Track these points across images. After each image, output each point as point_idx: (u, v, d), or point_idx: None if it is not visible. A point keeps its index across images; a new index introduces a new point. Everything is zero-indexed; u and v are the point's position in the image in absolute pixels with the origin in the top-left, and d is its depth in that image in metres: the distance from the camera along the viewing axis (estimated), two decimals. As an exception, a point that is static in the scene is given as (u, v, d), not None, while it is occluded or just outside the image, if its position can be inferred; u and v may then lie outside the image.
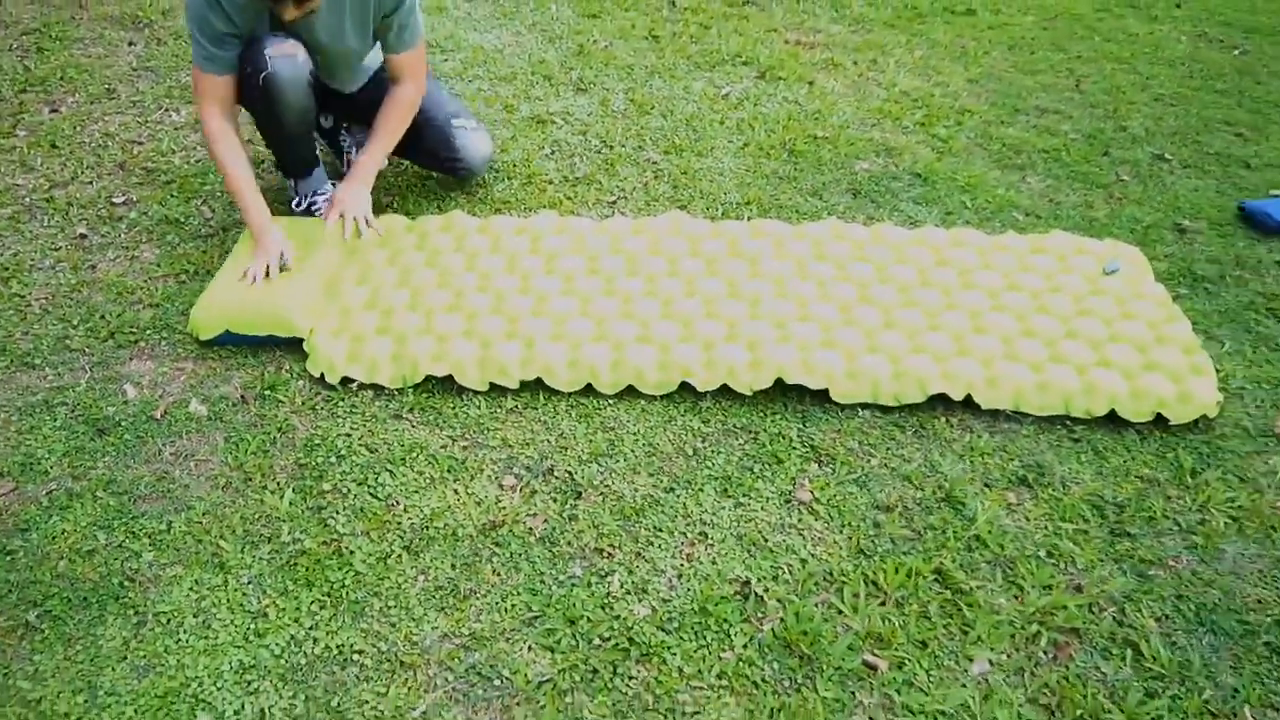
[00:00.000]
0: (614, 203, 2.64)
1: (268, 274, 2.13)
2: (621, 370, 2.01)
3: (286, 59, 2.15)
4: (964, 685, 1.51)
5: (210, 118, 2.18)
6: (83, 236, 2.46)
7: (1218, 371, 2.10)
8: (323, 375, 2.03)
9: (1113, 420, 1.97)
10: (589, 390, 2.02)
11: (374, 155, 2.35)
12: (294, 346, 2.11)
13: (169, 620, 1.59)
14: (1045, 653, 1.56)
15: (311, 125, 2.40)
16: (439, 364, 2.02)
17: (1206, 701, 1.49)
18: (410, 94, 2.34)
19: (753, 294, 2.19)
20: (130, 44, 3.40)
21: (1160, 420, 1.97)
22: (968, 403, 1.99)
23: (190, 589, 1.64)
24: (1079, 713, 1.47)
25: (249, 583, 1.65)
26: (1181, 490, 1.85)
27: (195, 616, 1.59)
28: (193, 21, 2.09)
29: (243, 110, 2.27)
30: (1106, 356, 2.04)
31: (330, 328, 2.10)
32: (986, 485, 1.85)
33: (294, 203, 2.51)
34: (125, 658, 1.53)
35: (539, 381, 2.02)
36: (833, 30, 3.70)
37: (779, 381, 1.99)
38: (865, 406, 2.00)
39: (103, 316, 2.21)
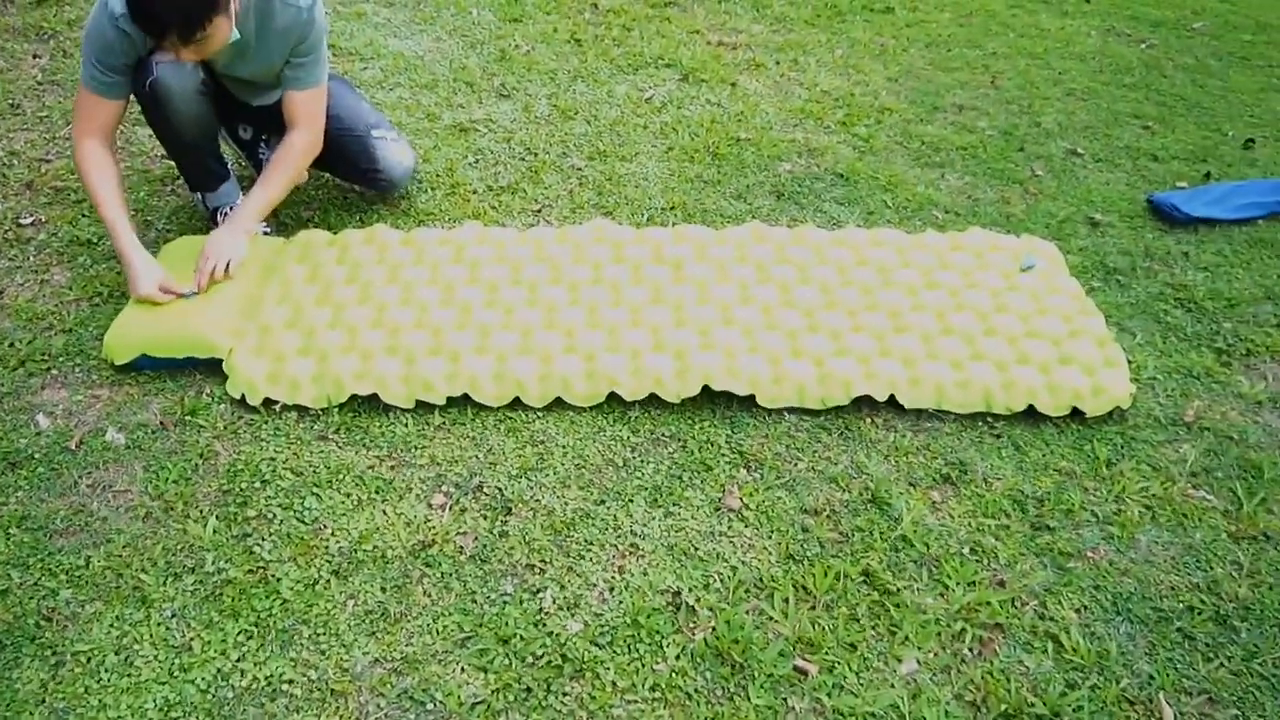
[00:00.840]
0: (539, 211, 2.63)
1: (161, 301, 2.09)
2: (549, 383, 2.01)
3: (173, 66, 2.09)
4: (893, 685, 1.54)
5: (85, 140, 2.11)
6: (-11, 260, 2.38)
7: (1130, 363, 2.16)
8: (243, 397, 2.00)
9: (1031, 415, 2.02)
10: (517, 404, 2.01)
11: (255, 202, 2.24)
12: (214, 369, 2.07)
13: (89, 659, 1.55)
14: (970, 649, 1.60)
15: (212, 135, 2.35)
16: (363, 382, 1.99)
17: (1124, 689, 1.54)
18: (303, 142, 2.25)
19: (676, 300, 2.20)
20: (35, 56, 3.29)
21: (1077, 413, 2.02)
22: (892, 402, 2.03)
23: (111, 626, 1.60)
24: (1003, 707, 1.51)
25: (172, 616, 1.61)
26: (1098, 482, 1.91)
27: (116, 654, 1.56)
28: (91, 42, 2.02)
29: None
30: (1024, 352, 2.09)
31: (250, 347, 2.06)
32: (911, 484, 1.89)
33: (207, 219, 2.45)
34: (44, 700, 1.49)
35: (466, 397, 2.01)
36: (754, 30, 3.73)
37: (706, 388, 2.00)
38: (792, 410, 2.03)
39: (12, 344, 2.14)
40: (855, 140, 2.99)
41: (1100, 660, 1.59)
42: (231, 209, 2.42)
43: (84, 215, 2.54)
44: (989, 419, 2.02)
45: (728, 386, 1.99)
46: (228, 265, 2.16)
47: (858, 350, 2.08)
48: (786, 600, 1.66)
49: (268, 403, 2.00)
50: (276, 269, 2.28)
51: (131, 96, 2.15)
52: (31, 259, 2.40)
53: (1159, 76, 3.42)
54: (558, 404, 2.02)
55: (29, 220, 2.52)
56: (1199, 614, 1.66)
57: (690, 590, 1.68)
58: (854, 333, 2.14)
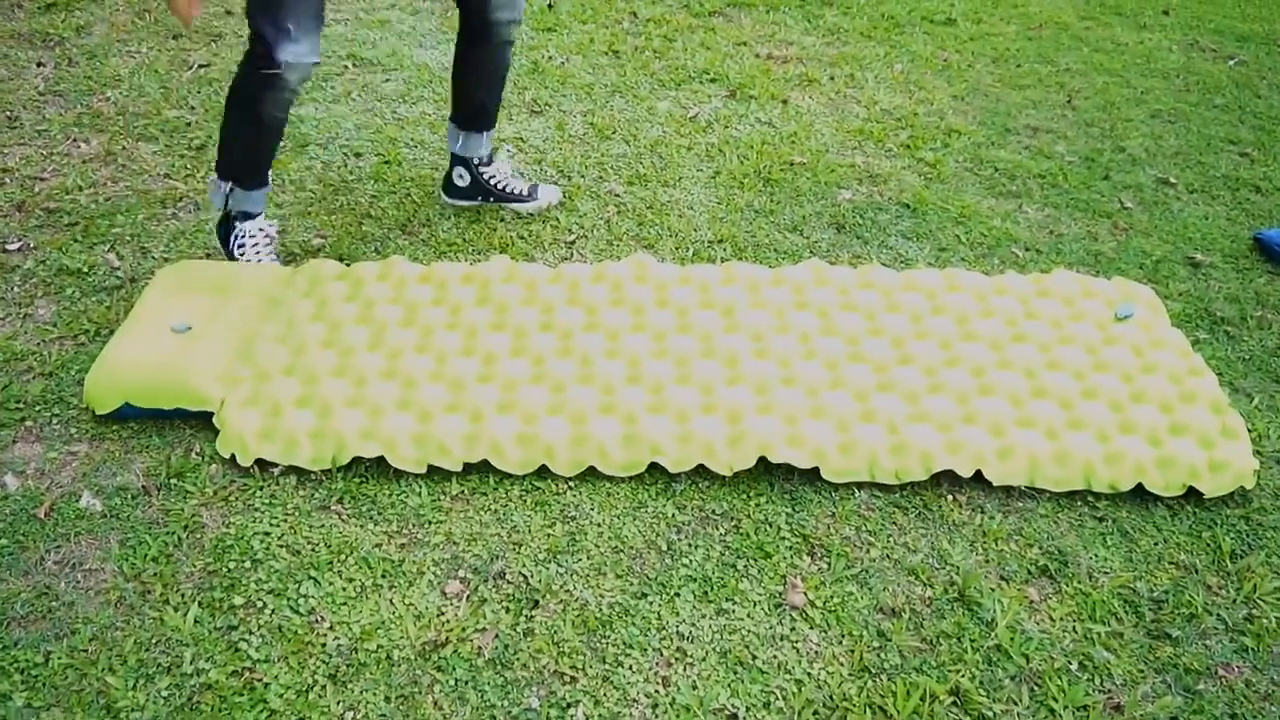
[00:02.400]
0: (573, 242, 2.38)
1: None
2: (582, 448, 1.75)
3: (307, 53, 1.95)
4: (995, 845, 1.27)
5: None
6: (-32, 291, 2.16)
7: (1249, 431, 1.88)
8: (234, 456, 1.76)
9: (1138, 495, 1.74)
10: (545, 471, 1.76)
11: None
12: (206, 420, 1.83)
13: (39, 784, 1.31)
14: (1087, 798, 1.33)
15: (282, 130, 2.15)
16: (369, 443, 1.75)
17: None
18: None
19: (729, 352, 1.94)
20: (39, 64, 3.08)
21: (1191, 493, 1.74)
22: (976, 477, 1.76)
23: (68, 740, 1.36)
24: None
25: (140, 730, 1.38)
26: (1223, 578, 1.63)
27: (72, 778, 1.32)
28: None
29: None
30: (1129, 420, 1.82)
31: (243, 398, 1.83)
32: (1003, 579, 1.62)
33: (219, 216, 2.23)
34: (-17, 836, 1.26)
35: (486, 463, 1.76)
36: (806, 42, 3.46)
37: (762, 460, 1.74)
38: (861, 486, 1.76)
39: (-15, 389, 1.91)
40: (921, 166, 2.72)
41: (1248, 817, 1.31)
42: (253, 223, 2.19)
43: (75, 241, 2.31)
44: (1089, 498, 1.75)
45: (788, 458, 1.73)
46: None
47: (937, 415, 1.82)
48: (863, 728, 1.40)
49: (262, 464, 1.76)
50: (279, 303, 2.04)
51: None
52: (15, 290, 2.17)
53: (1252, 97, 3.12)
54: (592, 471, 1.76)
55: (16, 245, 2.30)
56: (1363, 757, 1.38)
57: (748, 710, 1.42)
58: (931, 394, 1.87)
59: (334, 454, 1.75)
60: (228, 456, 1.77)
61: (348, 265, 2.20)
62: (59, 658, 1.46)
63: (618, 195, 2.55)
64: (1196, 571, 1.64)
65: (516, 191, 2.45)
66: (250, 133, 2.08)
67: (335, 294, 2.09)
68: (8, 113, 2.82)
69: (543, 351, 1.94)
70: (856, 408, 1.83)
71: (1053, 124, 2.95)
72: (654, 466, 1.76)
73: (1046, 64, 3.34)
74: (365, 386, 1.86)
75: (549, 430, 1.77)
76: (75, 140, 2.72)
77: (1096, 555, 1.66)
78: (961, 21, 3.65)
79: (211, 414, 1.83)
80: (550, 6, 3.57)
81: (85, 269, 2.23)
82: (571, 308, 2.06)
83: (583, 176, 2.62)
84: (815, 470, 1.75)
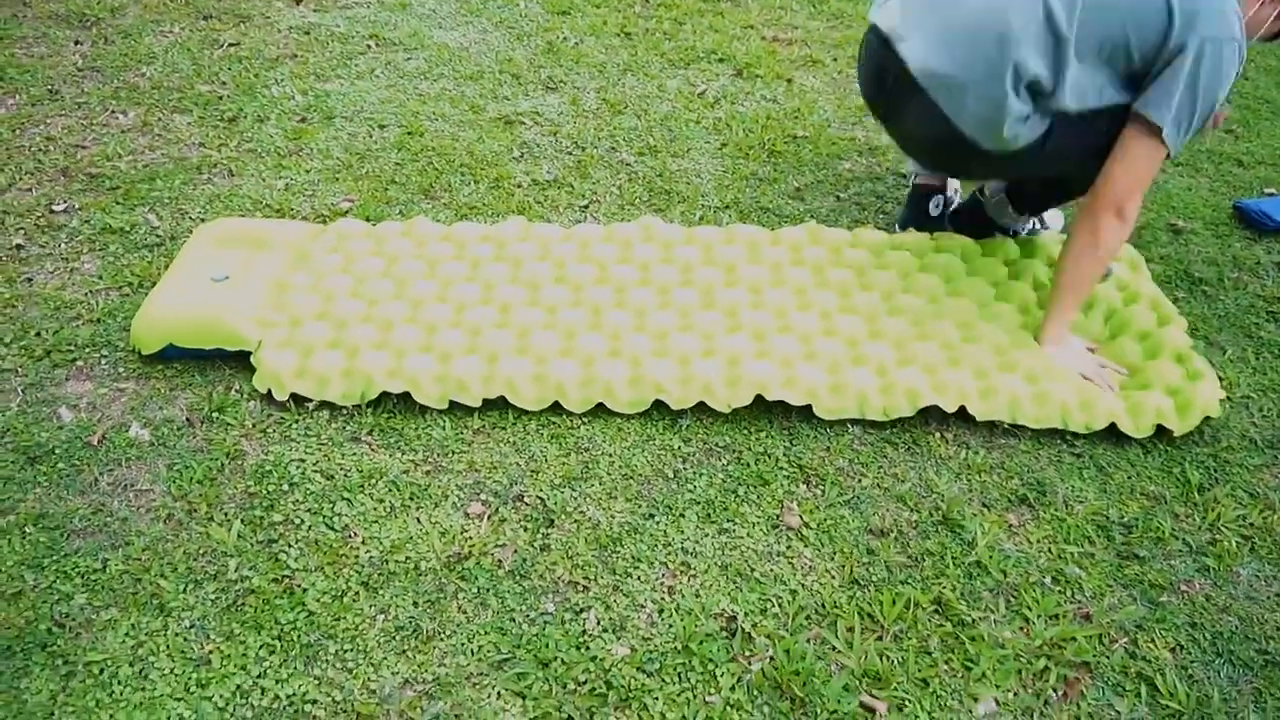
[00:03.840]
0: (586, 207, 2.51)
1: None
2: (591, 387, 1.88)
3: None
4: (970, 728, 1.40)
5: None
6: (19, 247, 2.30)
7: (1221, 380, 2.00)
8: (270, 392, 1.89)
9: (1114, 433, 1.87)
10: (561, 409, 1.89)
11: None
12: (245, 362, 1.97)
13: (101, 670, 1.44)
14: (1055, 690, 1.45)
15: None
16: (395, 380, 1.88)
17: (1229, 742, 1.39)
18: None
19: (729, 303, 2.07)
20: (76, 43, 3.23)
21: (1162, 433, 1.87)
22: (963, 416, 1.89)
23: (126, 635, 1.49)
24: (1094, 757, 1.36)
25: (191, 626, 1.51)
26: (1190, 508, 1.75)
27: (131, 665, 1.45)
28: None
29: None
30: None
31: (278, 339, 1.96)
32: (985, 505, 1.74)
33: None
34: (52, 713, 1.39)
35: (505, 401, 1.89)
36: (810, 26, 3.59)
37: (760, 398, 1.87)
38: (855, 422, 1.89)
39: (38, 334, 2.05)
40: (918, 139, 2.84)
41: (1201, 708, 1.43)
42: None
43: (116, 203, 2.45)
44: (1068, 437, 1.87)
45: (783, 396, 1.86)
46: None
47: (924, 359, 1.94)
48: (851, 629, 1.53)
49: (296, 399, 1.90)
50: (308, 256, 2.18)
51: None
52: (63, 246, 2.31)
53: (1240, 79, 3.23)
54: (604, 410, 1.89)
55: (61, 207, 2.44)
56: (1310, 659, 1.50)
57: (746, 615, 1.54)
58: (919, 341, 1.99)
59: (363, 390, 1.88)
60: (264, 392, 1.90)
61: (374, 225, 2.34)
62: (115, 565, 1.60)
63: (629, 164, 2.68)
64: (1165, 501, 1.76)
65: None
66: None
67: (362, 249, 2.22)
68: (49, 86, 2.96)
69: (556, 302, 2.08)
70: (848, 353, 1.96)
71: (1046, 102, 3.07)
72: (662, 407, 1.89)
73: (1042, 47, 3.46)
74: (391, 331, 1.99)
75: (560, 370, 1.90)
76: (113, 112, 2.86)
77: (1073, 487, 1.78)
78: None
79: (248, 354, 1.96)
80: None
81: (127, 228, 2.37)
82: (583, 264, 2.19)
83: (596, 147, 2.76)
84: (810, 411, 1.88)
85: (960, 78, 1.83)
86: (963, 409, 1.87)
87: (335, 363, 1.92)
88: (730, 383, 1.88)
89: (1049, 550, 1.67)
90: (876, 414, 1.86)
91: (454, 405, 1.89)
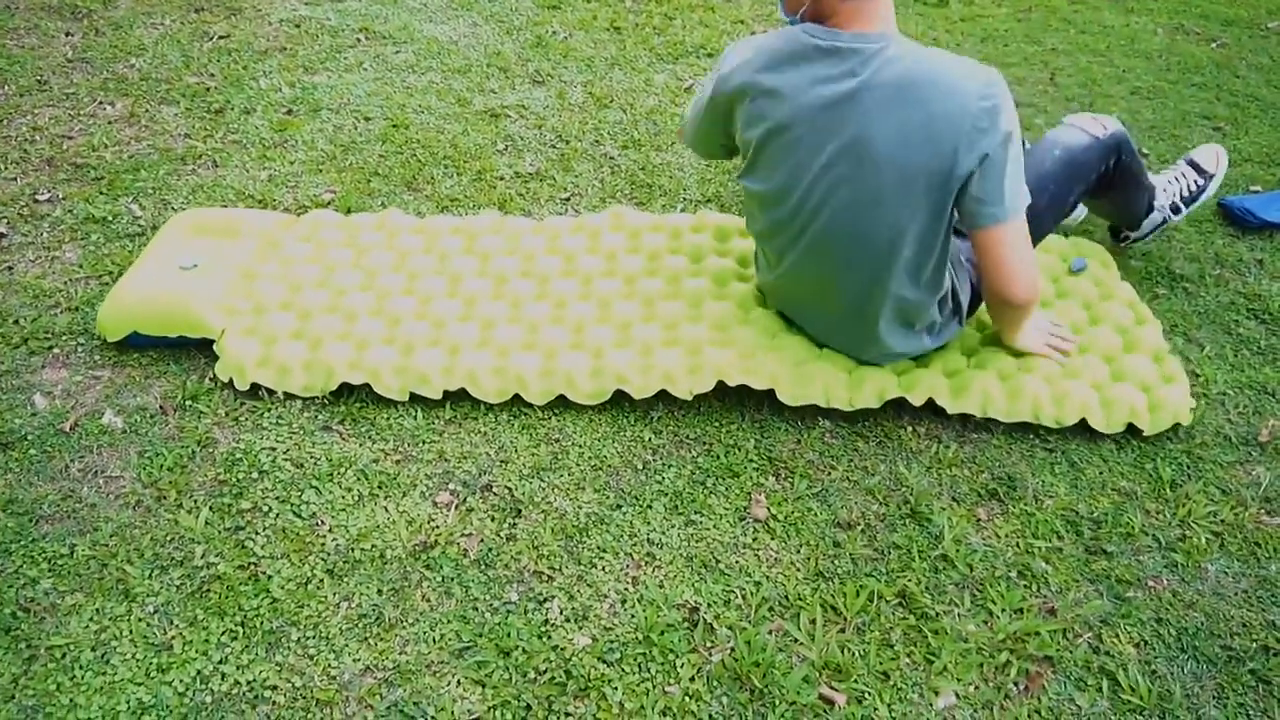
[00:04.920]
0: (568, 199, 2.51)
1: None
2: (552, 379, 1.88)
3: None
4: (928, 721, 1.40)
5: None
6: (1, 236, 2.31)
7: (1198, 376, 1.99)
8: (232, 381, 1.90)
9: (1087, 429, 1.86)
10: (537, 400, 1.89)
11: None
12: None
13: (64, 655, 1.45)
14: (1016, 684, 1.45)
15: None
16: (355, 372, 1.88)
17: (1188, 737, 1.39)
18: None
19: (693, 293, 2.06)
20: (67, 34, 3.24)
21: (1134, 431, 1.86)
22: (937, 410, 1.88)
23: (90, 619, 1.50)
24: (1051, 751, 1.36)
25: (154, 612, 1.51)
26: (1160, 504, 1.74)
27: (93, 650, 1.46)
28: None
29: None
30: (1075, 367, 1.92)
31: (242, 328, 1.96)
32: (955, 500, 1.74)
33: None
34: (13, 697, 1.39)
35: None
36: (802, 22, 3.58)
37: (735, 392, 1.87)
38: (827, 415, 1.88)
39: (16, 321, 2.06)
40: (904, 135, 2.84)
41: (1162, 703, 1.43)
42: None
43: (100, 193, 2.46)
44: (1041, 432, 1.87)
45: (744, 381, 1.85)
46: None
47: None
48: (814, 621, 1.52)
49: (257, 388, 1.89)
50: (278, 245, 2.18)
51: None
52: (45, 235, 2.32)
53: (1231, 77, 3.22)
54: (575, 403, 1.89)
55: (45, 196, 2.45)
56: (1275, 655, 1.49)
57: (709, 606, 1.54)
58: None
59: (323, 382, 1.88)
60: (226, 380, 1.90)
61: (347, 216, 2.34)
62: (82, 550, 1.61)
63: (612, 158, 2.68)
64: (1136, 497, 1.76)
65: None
66: None
67: (332, 240, 2.22)
68: (38, 77, 2.97)
69: (521, 295, 2.07)
70: (815, 351, 1.94)
71: (1034, 99, 3.06)
72: (629, 399, 1.89)
73: (1033, 44, 3.45)
74: (354, 322, 1.99)
75: (521, 363, 1.90)
76: (101, 103, 2.87)
77: (1044, 481, 1.78)
78: (954, 3, 3.76)
79: (213, 342, 1.97)
80: None
81: (110, 217, 2.38)
82: (550, 256, 2.19)
83: (580, 140, 2.75)
84: (783, 405, 1.87)
85: None
86: (938, 408, 1.86)
87: (298, 353, 1.92)
88: (692, 370, 1.87)
89: (1016, 545, 1.66)
90: (841, 403, 1.85)
91: (426, 397, 1.89)
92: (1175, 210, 2.24)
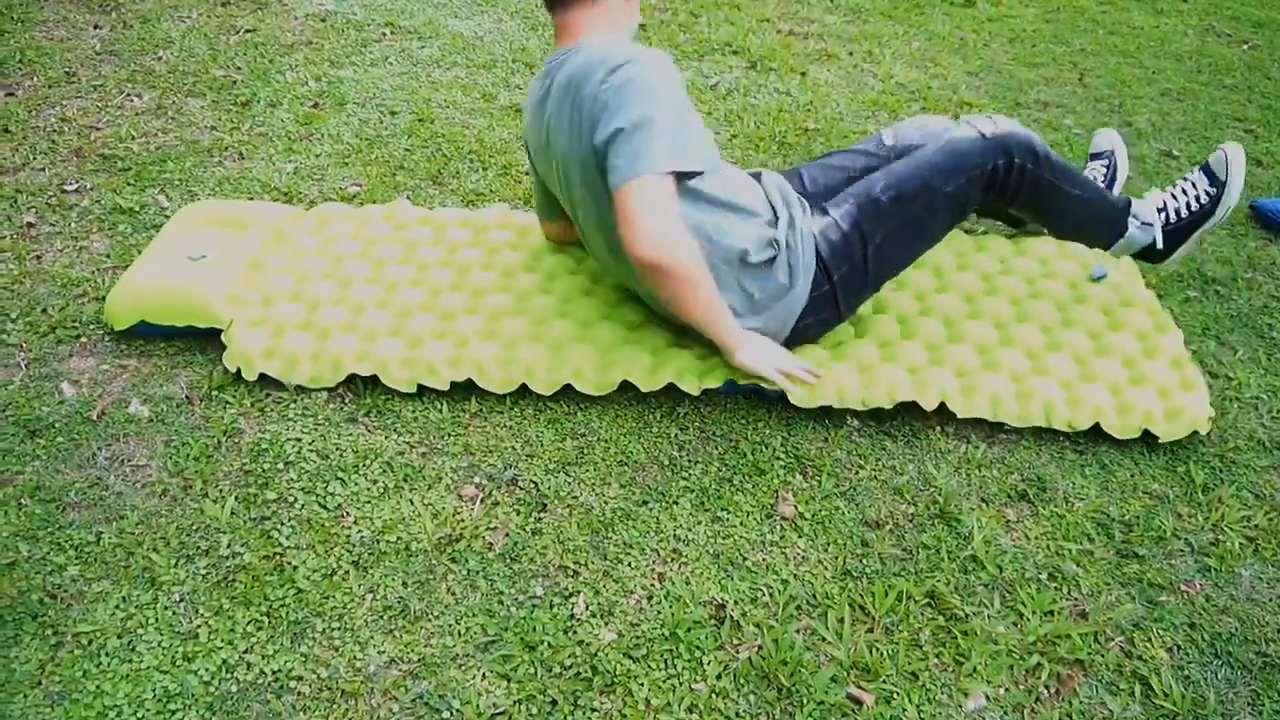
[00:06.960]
0: (593, 195, 2.50)
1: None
2: (558, 370, 1.87)
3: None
4: (957, 722, 1.38)
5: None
6: (30, 225, 2.32)
7: (1231, 380, 1.97)
8: (240, 370, 1.90)
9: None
10: (562, 394, 1.88)
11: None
12: (246, 344, 1.97)
13: (90, 641, 1.45)
14: (1047, 687, 1.43)
15: None
16: (363, 363, 1.88)
17: (1223, 743, 1.37)
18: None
19: None
20: (96, 27, 3.26)
21: (1150, 437, 1.83)
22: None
23: (116, 607, 1.50)
24: (1083, 755, 1.34)
25: (180, 600, 1.51)
26: (1193, 508, 1.72)
27: (119, 637, 1.46)
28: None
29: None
30: (1092, 371, 1.89)
31: (250, 318, 1.96)
32: (984, 500, 1.72)
33: None
34: (40, 683, 1.40)
35: (522, 385, 1.88)
36: (827, 20, 3.57)
37: (760, 389, 1.85)
38: (854, 414, 1.87)
39: (44, 310, 2.07)
40: (931, 134, 2.82)
41: (1196, 709, 1.41)
42: None
43: (128, 184, 2.47)
44: (1071, 434, 1.85)
45: (755, 380, 1.83)
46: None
47: (908, 360, 1.90)
48: (842, 620, 1.51)
49: (264, 378, 1.89)
50: (288, 237, 2.18)
51: None
52: (73, 225, 2.33)
53: (1263, 78, 3.18)
54: (605, 397, 1.88)
55: (73, 187, 2.46)
56: (1310, 662, 1.47)
57: (736, 603, 1.53)
58: (903, 340, 1.96)
59: (331, 374, 1.88)
60: (233, 371, 1.90)
61: (356, 207, 2.33)
62: (109, 538, 1.61)
63: (638, 154, 2.67)
64: (1168, 501, 1.73)
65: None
66: None
67: (341, 231, 2.22)
68: (66, 69, 2.99)
69: (526, 288, 2.06)
70: (829, 353, 1.92)
71: (1063, 99, 3.04)
72: (662, 394, 1.88)
73: (1061, 44, 3.42)
74: (361, 314, 1.98)
75: (528, 354, 1.89)
76: (129, 95, 2.88)
77: (1074, 483, 1.76)
78: (981, 3, 3.73)
79: (220, 332, 1.97)
80: None
81: (137, 208, 2.39)
82: (556, 252, 2.18)
83: (605, 137, 2.74)
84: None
85: None
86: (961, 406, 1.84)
87: (305, 344, 1.92)
88: (703, 374, 1.86)
89: (1047, 546, 1.64)
90: (855, 403, 1.83)
91: (454, 388, 1.89)
92: (1178, 221, 2.14)
